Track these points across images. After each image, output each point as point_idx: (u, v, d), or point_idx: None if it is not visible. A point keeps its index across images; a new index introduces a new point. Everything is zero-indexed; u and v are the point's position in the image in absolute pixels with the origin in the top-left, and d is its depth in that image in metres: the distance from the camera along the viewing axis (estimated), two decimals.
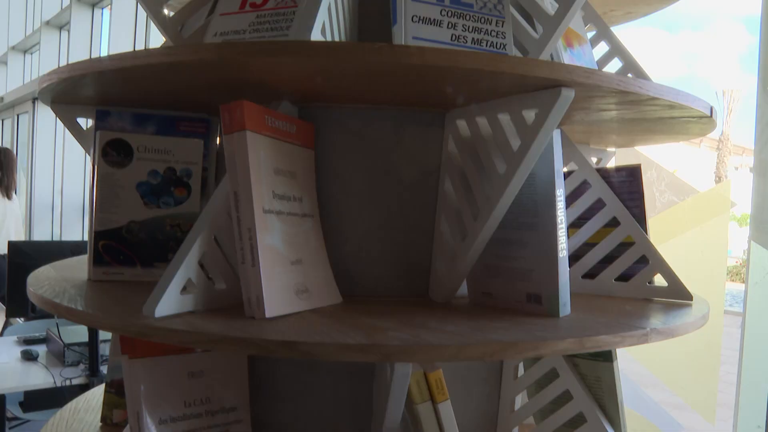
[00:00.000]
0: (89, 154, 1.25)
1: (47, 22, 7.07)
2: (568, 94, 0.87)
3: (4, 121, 9.14)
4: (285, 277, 0.90)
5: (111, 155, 1.18)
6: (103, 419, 1.40)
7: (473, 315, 0.96)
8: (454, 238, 1.05)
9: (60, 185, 6.85)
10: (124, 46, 5.17)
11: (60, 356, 3.06)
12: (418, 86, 0.95)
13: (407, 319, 0.90)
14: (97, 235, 1.16)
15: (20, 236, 5.44)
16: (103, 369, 2.94)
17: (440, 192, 1.10)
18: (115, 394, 1.40)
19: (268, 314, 0.85)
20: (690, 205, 2.63)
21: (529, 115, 0.92)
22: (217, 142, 1.27)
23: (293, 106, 1.05)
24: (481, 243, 0.98)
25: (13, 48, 8.83)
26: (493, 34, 1.09)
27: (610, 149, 1.56)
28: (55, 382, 2.81)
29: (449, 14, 1.05)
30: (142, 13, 5.30)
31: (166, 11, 1.21)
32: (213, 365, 1.08)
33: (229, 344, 0.78)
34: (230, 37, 1.06)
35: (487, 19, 1.09)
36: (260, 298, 0.85)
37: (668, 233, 2.52)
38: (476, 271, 1.05)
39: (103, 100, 1.20)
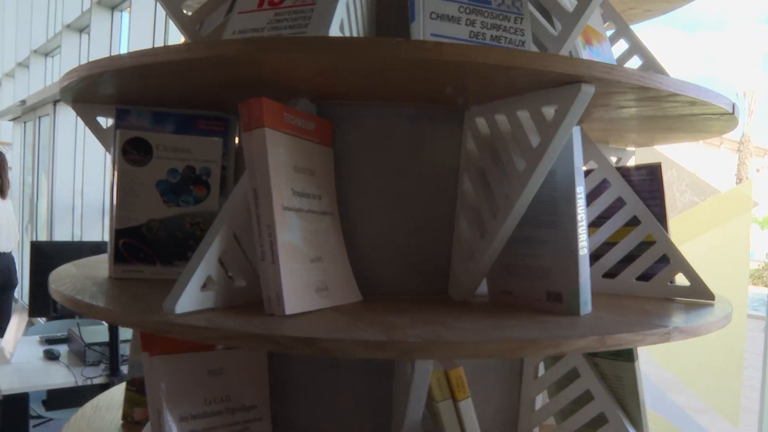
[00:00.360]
0: (109, 153, 1.26)
1: (68, 26, 7.14)
2: (588, 90, 0.87)
3: (26, 124, 9.24)
4: (304, 275, 0.90)
5: (131, 153, 1.18)
6: (124, 417, 1.41)
7: (493, 313, 0.95)
8: (473, 237, 1.04)
9: (80, 187, 6.92)
10: (144, 48, 5.20)
11: (81, 356, 3.08)
12: (435, 83, 0.94)
13: (426, 317, 0.89)
14: (118, 233, 1.17)
15: (13, 235, 5.50)
16: (124, 369, 2.96)
17: (459, 190, 1.09)
18: (136, 392, 1.41)
19: (287, 311, 0.85)
20: (711, 205, 2.60)
21: (549, 111, 0.91)
22: (236, 141, 1.27)
23: (311, 103, 1.05)
24: (500, 241, 0.98)
25: (35, 51, 8.92)
26: (512, 31, 1.08)
27: (630, 149, 1.55)
28: (76, 381, 2.83)
29: (467, 11, 1.05)
30: (161, 16, 5.34)
31: (184, 10, 1.22)
32: (233, 363, 1.08)
33: (248, 341, 0.78)
34: (248, 35, 1.06)
35: (506, 16, 1.08)
36: (279, 295, 0.85)
37: (689, 234, 2.49)
38: (495, 269, 1.04)
39: (122, 99, 1.21)
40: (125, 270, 1.17)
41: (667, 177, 1.27)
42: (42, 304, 2.98)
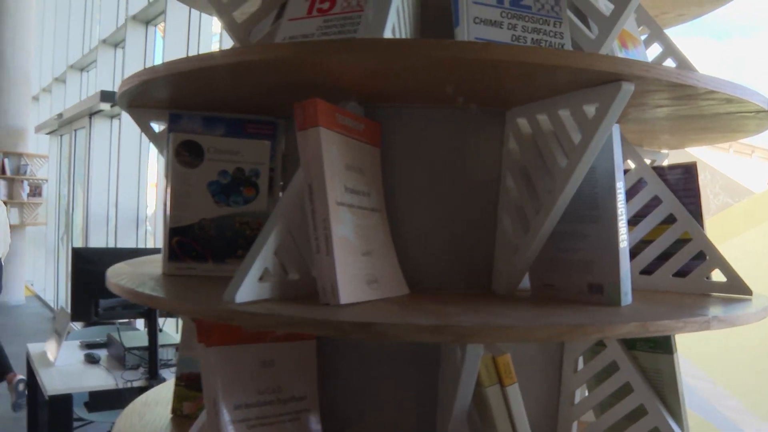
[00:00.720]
0: (162, 156, 1.32)
1: (104, 41, 7.30)
2: (628, 88, 0.90)
3: (62, 137, 9.43)
4: (356, 267, 0.94)
5: (183, 156, 1.24)
6: (174, 411, 1.46)
7: (537, 304, 0.99)
8: (516, 232, 1.08)
9: (114, 197, 7.05)
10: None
11: (120, 360, 3.16)
12: (480, 84, 0.99)
13: (474, 307, 0.93)
14: (172, 231, 1.22)
15: (6, 240, 5.60)
16: (162, 372, 3.02)
17: (502, 188, 1.13)
18: (185, 387, 1.46)
19: (342, 301, 0.89)
20: (745, 206, 2.61)
21: (590, 109, 0.95)
22: (283, 144, 1.32)
23: (360, 106, 1.10)
24: (543, 236, 1.01)
25: (71, 67, 9.12)
26: (551, 34, 1.12)
27: (664, 151, 1.57)
28: (117, 384, 2.90)
29: (509, 16, 1.09)
30: (195, 30, 5.45)
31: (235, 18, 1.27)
32: (283, 355, 1.12)
33: (307, 326, 0.82)
34: (299, 41, 1.11)
35: (545, 20, 1.12)
36: (334, 285, 0.89)
37: (724, 235, 2.50)
38: (538, 263, 1.08)
39: (174, 104, 1.27)
40: (178, 267, 1.22)
41: (701, 179, 1.29)
42: (83, 309, 3.05)
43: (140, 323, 4.87)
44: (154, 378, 2.96)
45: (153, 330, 2.97)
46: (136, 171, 6.27)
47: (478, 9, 1.07)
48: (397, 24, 0.98)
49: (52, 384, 2.85)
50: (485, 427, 0.96)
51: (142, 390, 2.92)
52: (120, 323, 3.70)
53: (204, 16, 5.46)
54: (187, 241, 1.23)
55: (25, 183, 10.07)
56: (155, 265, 1.35)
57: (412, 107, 1.15)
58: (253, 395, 1.08)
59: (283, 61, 0.90)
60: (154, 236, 5.58)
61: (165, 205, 1.24)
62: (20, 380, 4.88)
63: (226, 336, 1.07)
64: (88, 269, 3.08)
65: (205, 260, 1.23)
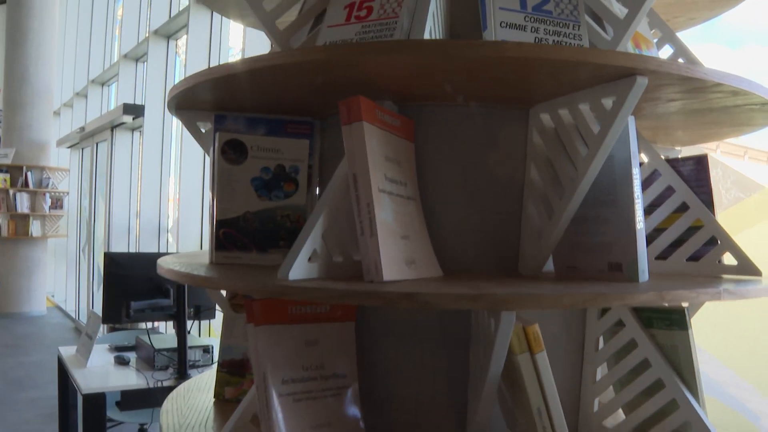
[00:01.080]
0: (208, 154, 1.42)
1: (125, 55, 7.46)
2: (642, 82, 0.99)
3: (84, 150, 9.61)
4: (396, 249, 1.04)
5: (229, 153, 1.34)
6: (216, 395, 1.55)
7: (561, 281, 1.08)
8: (540, 218, 1.17)
9: (136, 208, 7.18)
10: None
11: (150, 361, 3.26)
12: (509, 82, 1.08)
13: (505, 282, 1.02)
14: (219, 223, 1.31)
15: None
16: (191, 372, 3.12)
17: (526, 178, 1.22)
18: (227, 373, 1.56)
19: (385, 278, 0.98)
20: (757, 200, 2.67)
21: (608, 102, 1.04)
22: (319, 143, 1.42)
23: (395, 105, 1.20)
24: (566, 220, 1.10)
25: (92, 81, 9.31)
26: (571, 36, 1.21)
27: (677, 148, 1.66)
28: (148, 384, 3.00)
29: (532, 20, 1.19)
30: (216, 43, 5.58)
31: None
32: (326, 335, 1.21)
33: (356, 297, 0.91)
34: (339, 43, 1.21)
35: (565, 23, 1.22)
36: (378, 263, 0.98)
37: (736, 227, 2.56)
38: (560, 247, 1.17)
39: (218, 106, 1.37)
40: (225, 256, 1.32)
41: (713, 175, 1.37)
42: (115, 312, 3.15)
43: (161, 329, 4.97)
44: (183, 377, 3.06)
45: (182, 330, 3.07)
46: (157, 182, 6.39)
47: (503, 14, 1.16)
48: (432, 27, 1.08)
49: (86, 383, 2.95)
50: (516, 393, 1.05)
51: (172, 389, 3.02)
52: (147, 327, 3.81)
53: (223, 30, 5.59)
54: (232, 232, 1.32)
55: (47, 196, 10.27)
56: (199, 257, 1.45)
57: (443, 105, 1.25)
58: (299, 371, 1.17)
59: (334, 61, 0.99)
60: (176, 245, 5.70)
61: (212, 199, 1.34)
62: None
63: (273, 317, 1.16)
64: (120, 273, 3.19)
65: (250, 250, 1.32)
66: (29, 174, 10.11)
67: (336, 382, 1.22)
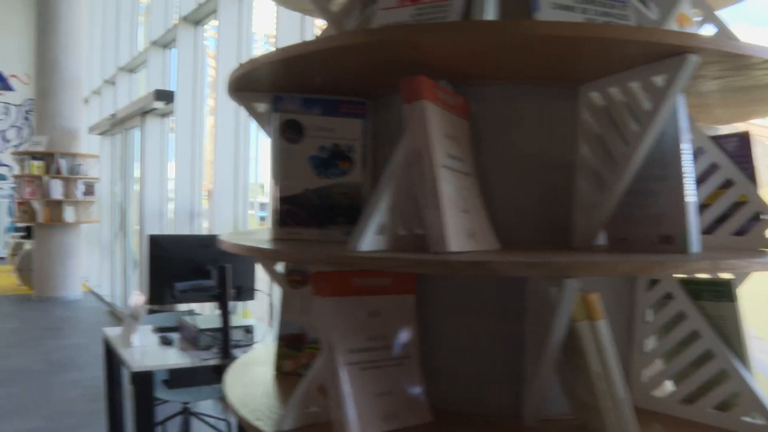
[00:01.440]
0: (267, 133, 1.48)
1: (154, 42, 7.55)
2: (694, 59, 1.03)
3: (114, 137, 9.76)
4: (459, 221, 1.09)
5: (287, 133, 1.39)
6: (276, 368, 1.61)
7: (615, 252, 1.13)
8: (593, 192, 1.21)
9: (167, 193, 7.30)
10: (229, 61, 5.50)
11: (193, 341, 3.35)
12: (561, 61, 1.13)
13: (562, 253, 1.07)
14: (281, 200, 1.38)
15: None
16: (234, 352, 3.20)
17: (578, 155, 1.27)
18: (286, 346, 1.62)
19: (450, 248, 1.03)
20: None
21: (658, 80, 1.08)
22: (371, 122, 1.47)
23: (449, 84, 1.25)
24: (618, 193, 1.15)
25: (121, 69, 9.44)
26: (619, 16, 1.25)
27: (716, 127, 1.69)
28: (193, 363, 3.09)
29: (581, 1, 1.23)
30: (245, 29, 5.64)
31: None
32: (388, 307, 1.27)
33: (427, 267, 0.97)
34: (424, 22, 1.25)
35: (612, 4, 1.26)
36: (443, 235, 1.04)
37: None
38: (612, 220, 1.21)
39: (274, 87, 1.42)
40: (287, 232, 1.38)
41: (756, 153, 1.41)
42: (159, 293, 3.25)
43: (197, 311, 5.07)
44: (227, 356, 3.14)
45: (225, 311, 3.16)
46: (190, 167, 6.49)
47: None
48: (487, 9, 1.13)
49: (134, 362, 3.05)
50: (576, 360, 1.10)
51: (216, 368, 3.11)
52: (183, 310, 3.91)
53: (253, 15, 5.65)
54: (293, 209, 1.38)
55: (80, 182, 10.45)
56: (254, 234, 1.51)
57: (494, 84, 1.29)
58: (363, 341, 1.23)
59: (398, 42, 1.05)
60: (209, 229, 5.80)
61: (273, 177, 1.40)
62: None
63: (339, 289, 1.22)
64: (163, 255, 3.27)
65: (310, 226, 1.38)
66: (62, 161, 10.30)
67: (398, 353, 1.27)
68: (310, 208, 1.39)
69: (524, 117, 1.30)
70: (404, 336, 1.28)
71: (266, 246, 1.18)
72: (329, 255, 1.06)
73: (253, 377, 1.59)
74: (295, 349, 1.61)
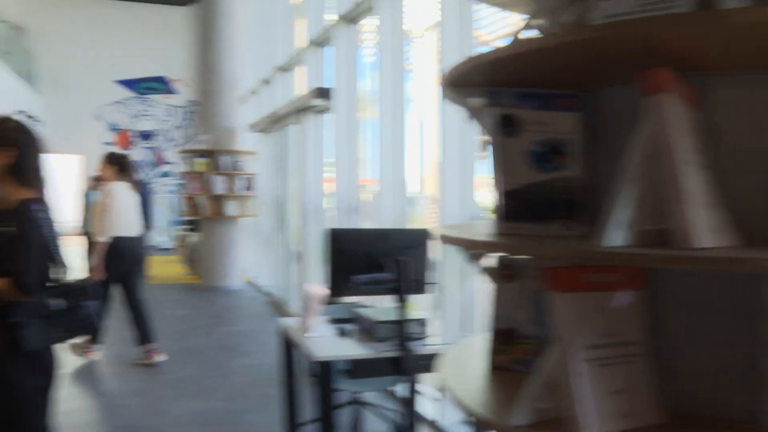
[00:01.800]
0: (484, 128, 1.50)
1: (311, 41, 7.80)
2: None
3: (272, 134, 10.19)
4: (703, 216, 1.07)
5: (504, 127, 1.41)
6: (491, 363, 1.62)
7: None
8: None
9: (327, 188, 7.53)
10: (382, 56, 5.58)
11: (370, 333, 3.44)
12: None
13: None
14: (506, 194, 1.39)
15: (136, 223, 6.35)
16: (409, 344, 3.25)
17: None
18: (498, 341, 1.63)
19: (698, 244, 1.02)
20: None
21: None
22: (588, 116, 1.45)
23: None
24: None
25: (276, 68, 9.83)
26: None
27: None
28: (372, 354, 3.17)
29: None
30: (401, 25, 5.70)
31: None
32: None
33: (680, 262, 0.96)
34: (623, 18, 1.24)
35: None
36: (689, 230, 1.02)
37: None
38: None
39: (487, 83, 1.44)
40: (510, 227, 1.39)
41: None
42: (339, 285, 3.36)
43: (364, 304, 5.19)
44: (404, 348, 3.20)
45: (403, 303, 3.22)
46: (349, 163, 6.65)
47: None
48: None
49: (316, 351, 3.17)
50: None
51: (395, 360, 3.18)
52: (355, 303, 4.02)
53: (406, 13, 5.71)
54: (515, 203, 1.40)
55: (240, 178, 11.06)
56: (467, 228, 1.53)
57: (722, 75, 1.25)
58: (599, 337, 1.22)
59: (645, 36, 1.04)
60: (373, 225, 5.93)
61: (494, 171, 1.41)
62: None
63: (572, 284, 1.22)
64: (343, 248, 3.38)
65: (531, 221, 1.39)
66: (223, 158, 10.94)
67: (629, 350, 1.25)
68: (531, 203, 1.40)
69: (760, 107, 1.24)
70: (635, 333, 1.27)
71: (501, 241, 1.20)
72: (577, 250, 1.07)
73: (466, 370, 1.62)
74: (506, 344, 1.62)
